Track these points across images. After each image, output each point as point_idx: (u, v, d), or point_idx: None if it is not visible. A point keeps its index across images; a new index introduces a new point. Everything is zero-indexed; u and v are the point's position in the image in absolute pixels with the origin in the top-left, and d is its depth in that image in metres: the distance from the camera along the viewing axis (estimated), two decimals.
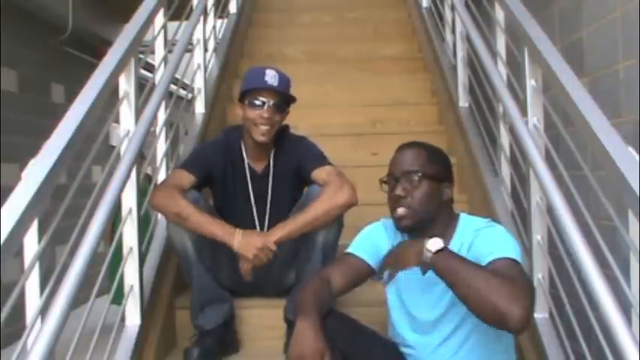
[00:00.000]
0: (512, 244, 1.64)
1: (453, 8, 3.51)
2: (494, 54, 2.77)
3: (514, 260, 1.58)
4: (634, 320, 1.55)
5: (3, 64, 4.32)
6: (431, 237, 1.58)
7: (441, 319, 1.73)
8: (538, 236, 2.11)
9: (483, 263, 1.58)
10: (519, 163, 2.41)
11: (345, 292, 1.87)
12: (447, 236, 1.73)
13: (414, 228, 1.75)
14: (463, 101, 3.40)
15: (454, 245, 1.71)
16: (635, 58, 2.09)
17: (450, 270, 1.51)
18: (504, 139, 2.71)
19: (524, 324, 1.42)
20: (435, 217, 1.75)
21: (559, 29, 2.75)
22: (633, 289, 1.57)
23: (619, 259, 1.64)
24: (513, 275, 1.51)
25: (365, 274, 1.87)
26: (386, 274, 1.83)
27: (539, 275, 2.09)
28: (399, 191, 1.73)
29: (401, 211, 1.73)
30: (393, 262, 1.64)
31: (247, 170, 2.36)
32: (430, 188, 1.74)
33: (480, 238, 1.68)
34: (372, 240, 1.88)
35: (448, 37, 3.91)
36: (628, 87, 2.15)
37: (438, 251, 1.54)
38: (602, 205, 1.68)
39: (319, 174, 2.25)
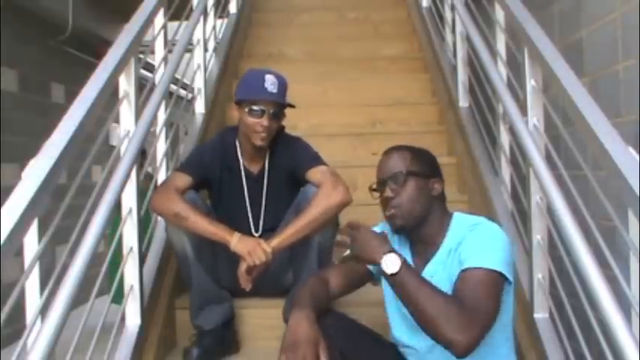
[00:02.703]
0: (494, 250, 1.61)
1: (453, 8, 3.51)
2: (494, 54, 2.77)
3: (489, 270, 1.56)
4: (634, 320, 1.55)
5: (3, 63, 4.32)
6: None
7: None
8: (538, 236, 2.11)
9: (462, 267, 1.59)
10: (519, 163, 2.41)
11: (343, 295, 1.88)
12: (440, 235, 1.73)
13: (407, 226, 1.76)
14: (463, 101, 3.40)
15: (447, 245, 1.70)
16: (635, 58, 2.09)
17: (404, 291, 1.56)
18: (504, 139, 2.71)
19: (468, 352, 1.48)
20: (428, 214, 1.75)
21: (559, 29, 2.75)
22: (633, 289, 1.57)
23: (619, 259, 1.64)
24: (474, 297, 1.52)
25: (364, 277, 1.88)
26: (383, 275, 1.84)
27: (539, 275, 2.09)
28: (387, 193, 1.75)
29: (391, 212, 1.74)
30: (356, 249, 1.67)
31: (243, 172, 2.37)
32: (417, 185, 1.74)
33: (468, 238, 1.66)
34: None
35: (448, 37, 3.91)
36: (628, 87, 2.15)
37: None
38: (602, 205, 1.68)
39: (314, 174, 2.25)
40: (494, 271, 1.57)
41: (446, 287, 1.62)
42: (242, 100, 2.28)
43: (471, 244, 1.64)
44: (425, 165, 1.79)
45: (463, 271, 1.59)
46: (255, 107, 2.24)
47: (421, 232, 1.76)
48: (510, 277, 1.61)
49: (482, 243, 1.63)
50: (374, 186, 1.81)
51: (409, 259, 1.78)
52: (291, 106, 2.31)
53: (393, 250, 1.60)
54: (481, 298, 1.53)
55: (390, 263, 1.57)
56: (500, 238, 1.65)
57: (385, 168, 1.79)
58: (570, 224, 1.60)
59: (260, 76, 2.26)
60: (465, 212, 1.85)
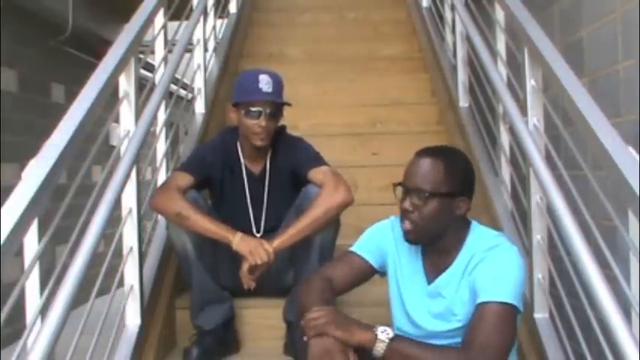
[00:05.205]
0: (511, 281, 1.56)
1: (453, 8, 3.51)
2: (494, 54, 2.77)
3: (504, 304, 1.53)
4: (634, 320, 1.55)
5: (3, 64, 4.32)
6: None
7: (436, 328, 1.69)
8: (538, 236, 2.11)
9: (478, 297, 1.56)
10: (519, 163, 2.41)
11: (346, 291, 1.86)
12: (456, 248, 1.68)
13: (420, 243, 1.72)
14: (463, 101, 3.40)
15: (462, 259, 1.66)
16: (635, 58, 2.09)
17: (405, 352, 1.52)
18: (504, 139, 2.71)
19: None
20: (445, 231, 1.68)
21: (559, 29, 2.75)
22: (633, 289, 1.57)
23: (619, 259, 1.64)
24: (488, 334, 1.50)
25: (367, 274, 1.85)
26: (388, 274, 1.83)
27: (539, 275, 2.09)
28: (406, 205, 1.65)
29: (406, 225, 1.67)
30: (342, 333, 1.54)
31: (244, 172, 2.37)
32: (440, 206, 1.63)
33: (485, 264, 1.61)
34: (376, 240, 1.84)
35: (448, 37, 3.91)
36: (628, 87, 2.15)
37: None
38: (602, 205, 1.68)
39: (315, 174, 2.25)
40: (510, 304, 1.54)
41: (453, 302, 1.62)
42: (238, 103, 2.28)
43: (488, 272, 1.59)
44: (455, 181, 1.65)
45: (479, 304, 1.55)
46: (252, 109, 2.23)
47: (436, 244, 1.70)
48: (522, 308, 1.58)
49: (500, 273, 1.58)
50: (398, 183, 1.70)
51: (420, 267, 1.75)
52: (288, 104, 2.31)
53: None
54: (495, 335, 1.50)
55: (384, 332, 1.53)
56: (517, 266, 1.60)
57: (413, 176, 1.65)
58: (570, 224, 1.60)
59: (254, 77, 2.26)
60: (479, 222, 1.77)
